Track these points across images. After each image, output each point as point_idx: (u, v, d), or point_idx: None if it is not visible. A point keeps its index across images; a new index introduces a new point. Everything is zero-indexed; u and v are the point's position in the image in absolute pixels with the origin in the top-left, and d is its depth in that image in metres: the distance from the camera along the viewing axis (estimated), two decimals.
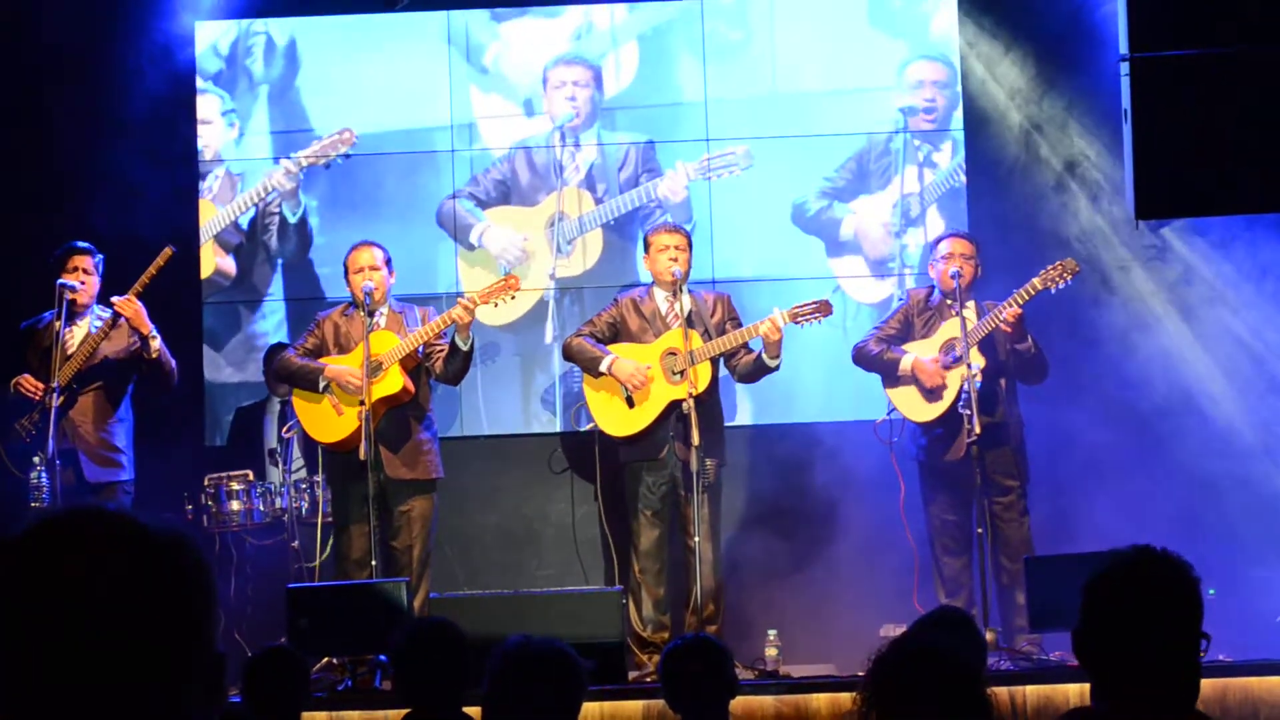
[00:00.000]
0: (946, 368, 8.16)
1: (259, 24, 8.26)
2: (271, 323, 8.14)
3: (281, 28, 8.30)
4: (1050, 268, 8.06)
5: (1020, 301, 8.01)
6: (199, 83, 8.30)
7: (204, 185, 7.68)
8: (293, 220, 7.67)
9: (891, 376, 8.33)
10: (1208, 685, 6.31)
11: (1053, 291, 8.06)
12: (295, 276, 8.13)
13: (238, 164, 7.98)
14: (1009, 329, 8.01)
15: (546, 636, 3.88)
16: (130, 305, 8.00)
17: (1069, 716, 3.20)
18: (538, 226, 8.08)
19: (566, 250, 8.19)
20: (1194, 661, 2.95)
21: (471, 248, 8.43)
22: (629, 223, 8.41)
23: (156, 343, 8.07)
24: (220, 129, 7.86)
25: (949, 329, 8.20)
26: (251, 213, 7.83)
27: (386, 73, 8.39)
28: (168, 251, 8.08)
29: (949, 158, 8.83)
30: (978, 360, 8.01)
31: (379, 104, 8.34)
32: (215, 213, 7.99)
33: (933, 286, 8.43)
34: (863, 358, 8.46)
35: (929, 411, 8.23)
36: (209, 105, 7.86)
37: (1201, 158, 6.61)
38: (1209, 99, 6.58)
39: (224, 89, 8.22)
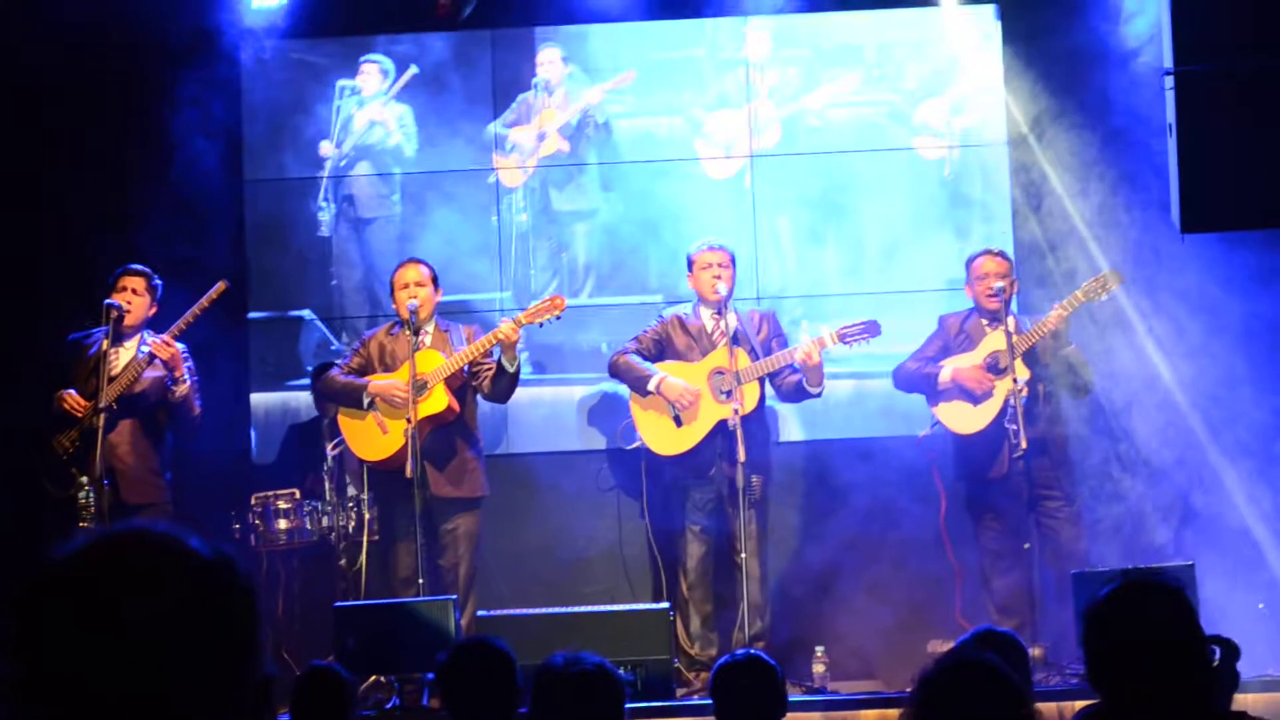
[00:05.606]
0: (990, 370, 8.10)
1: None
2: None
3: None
4: (1092, 280, 8.07)
5: (1063, 314, 8.00)
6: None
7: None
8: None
9: (934, 392, 8.27)
10: (1259, 700, 6.28)
11: (1094, 304, 8.08)
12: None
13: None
14: (1053, 339, 8.00)
15: (589, 653, 3.87)
16: (166, 350, 7.98)
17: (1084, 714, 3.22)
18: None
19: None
20: (1194, 670, 3.04)
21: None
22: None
23: (183, 388, 8.05)
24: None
25: (990, 343, 8.14)
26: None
27: None
28: (221, 286, 8.10)
29: None
30: (1023, 373, 7.98)
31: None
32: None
33: (970, 310, 8.37)
34: (902, 377, 8.41)
35: (975, 422, 8.14)
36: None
37: (1245, 171, 6.58)
38: (1252, 112, 6.56)
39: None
